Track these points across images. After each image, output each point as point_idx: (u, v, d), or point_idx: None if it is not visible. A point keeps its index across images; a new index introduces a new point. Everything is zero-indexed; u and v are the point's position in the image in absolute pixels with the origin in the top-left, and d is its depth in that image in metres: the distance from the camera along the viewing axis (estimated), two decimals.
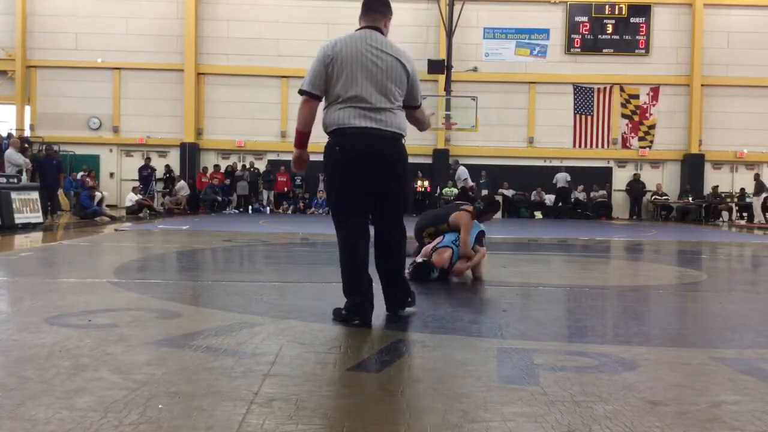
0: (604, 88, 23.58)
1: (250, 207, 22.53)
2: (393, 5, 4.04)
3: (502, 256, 8.26)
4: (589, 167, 23.40)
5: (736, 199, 22.49)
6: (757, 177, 21.65)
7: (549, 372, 2.86)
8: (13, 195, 11.90)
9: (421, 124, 4.25)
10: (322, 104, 3.89)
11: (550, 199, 23.01)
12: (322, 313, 4.22)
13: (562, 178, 22.54)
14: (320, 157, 3.89)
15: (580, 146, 23.79)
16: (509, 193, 23.07)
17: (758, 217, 20.79)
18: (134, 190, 19.92)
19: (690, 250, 10.63)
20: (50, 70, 23.36)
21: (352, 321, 3.76)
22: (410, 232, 4.63)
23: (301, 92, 3.84)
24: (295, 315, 4.13)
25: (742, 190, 22.64)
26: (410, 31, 22.28)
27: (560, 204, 22.80)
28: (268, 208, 22.64)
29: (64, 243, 9.52)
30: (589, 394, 2.56)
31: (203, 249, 8.89)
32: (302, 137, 3.90)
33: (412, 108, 4.06)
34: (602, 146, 23.87)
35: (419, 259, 5.86)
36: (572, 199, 23.09)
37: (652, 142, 23.89)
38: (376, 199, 3.88)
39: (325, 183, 4.18)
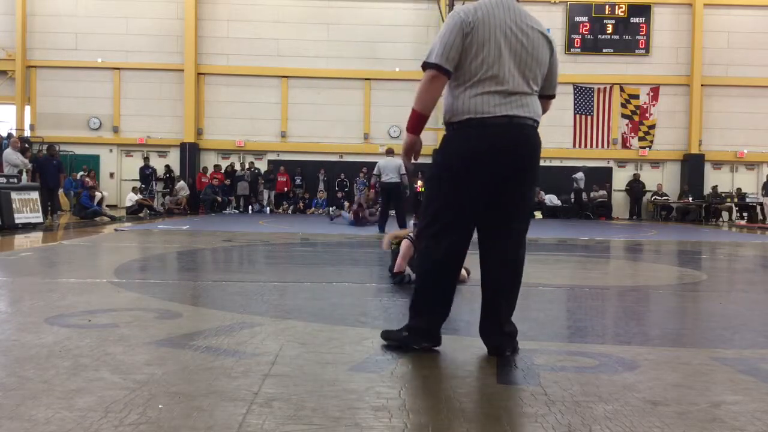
0: (604, 88, 23.57)
1: (250, 207, 22.54)
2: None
3: None
4: (589, 167, 23.38)
5: (736, 199, 22.47)
6: None
7: (549, 372, 2.87)
8: (13, 195, 11.91)
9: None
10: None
11: (550, 199, 22.99)
12: (322, 313, 4.23)
13: (580, 177, 22.54)
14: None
15: (580, 146, 23.79)
16: None
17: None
18: (134, 190, 19.96)
19: (690, 250, 10.63)
20: (50, 70, 23.37)
21: (420, 344, 3.15)
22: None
23: (429, 65, 3.02)
24: (295, 315, 4.12)
25: (739, 190, 22.58)
26: (410, 31, 22.18)
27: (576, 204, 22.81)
28: (268, 208, 22.65)
29: (64, 243, 9.52)
30: (589, 394, 2.56)
31: (203, 249, 8.89)
32: (422, 121, 3.15)
33: (547, 97, 3.32)
34: (602, 146, 23.87)
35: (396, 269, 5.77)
36: (572, 199, 23.11)
37: (652, 142, 23.88)
38: (505, 206, 3.11)
39: (431, 185, 3.23)
